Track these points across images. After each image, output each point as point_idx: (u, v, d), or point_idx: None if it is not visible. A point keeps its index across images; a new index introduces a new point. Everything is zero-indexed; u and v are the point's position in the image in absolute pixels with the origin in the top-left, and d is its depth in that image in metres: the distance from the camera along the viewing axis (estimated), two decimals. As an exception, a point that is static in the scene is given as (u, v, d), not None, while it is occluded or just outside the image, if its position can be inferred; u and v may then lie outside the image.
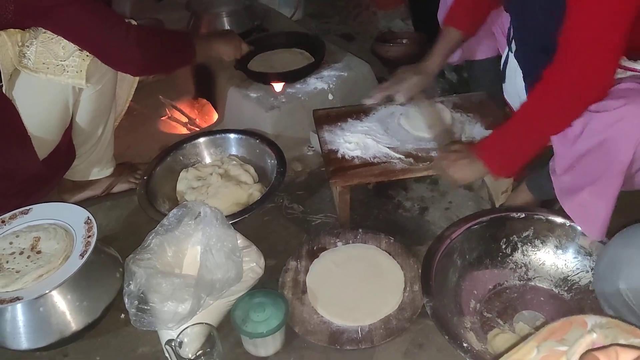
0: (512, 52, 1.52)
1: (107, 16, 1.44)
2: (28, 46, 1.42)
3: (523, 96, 1.49)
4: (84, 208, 1.46)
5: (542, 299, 1.40)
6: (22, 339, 1.31)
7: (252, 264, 1.39)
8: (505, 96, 1.63)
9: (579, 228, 1.37)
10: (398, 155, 1.56)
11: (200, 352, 1.24)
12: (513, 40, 1.50)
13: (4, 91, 1.46)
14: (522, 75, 1.47)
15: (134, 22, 1.51)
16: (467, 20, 1.60)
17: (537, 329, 1.27)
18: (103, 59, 1.47)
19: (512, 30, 1.50)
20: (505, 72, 1.57)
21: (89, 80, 1.50)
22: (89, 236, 1.37)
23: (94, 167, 1.79)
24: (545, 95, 1.25)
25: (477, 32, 1.63)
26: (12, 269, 1.31)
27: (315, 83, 2.01)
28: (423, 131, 1.61)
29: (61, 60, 1.43)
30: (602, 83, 1.19)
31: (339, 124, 1.69)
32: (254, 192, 1.69)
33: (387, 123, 1.68)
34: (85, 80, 1.46)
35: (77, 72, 1.45)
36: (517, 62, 1.48)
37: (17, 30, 1.41)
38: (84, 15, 1.41)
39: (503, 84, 1.61)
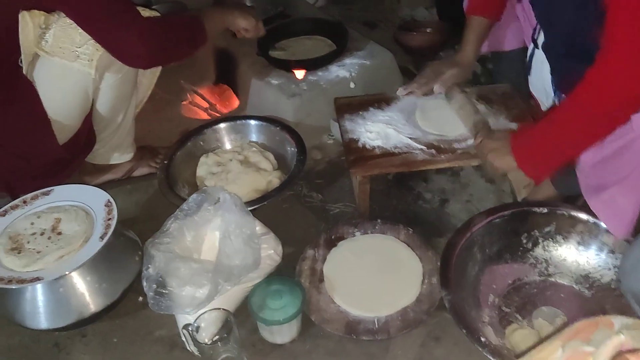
0: (538, 45, 1.48)
1: (115, 8, 1.41)
2: (48, 29, 1.42)
3: (549, 89, 1.47)
4: (105, 191, 1.47)
5: (562, 295, 1.38)
6: (42, 318, 1.33)
7: (270, 251, 1.39)
8: (531, 89, 1.60)
9: (602, 225, 1.35)
10: (420, 146, 1.54)
11: (217, 337, 1.25)
12: (540, 33, 1.47)
13: (25, 73, 1.47)
14: (549, 68, 1.44)
15: (147, 13, 1.49)
16: (490, 6, 1.58)
17: (556, 325, 1.27)
18: (110, 52, 1.45)
19: (537, 22, 1.47)
20: (531, 64, 1.54)
21: (108, 68, 1.50)
22: (109, 219, 1.38)
23: (114, 152, 1.79)
24: (589, 99, 1.15)
25: (502, 17, 1.59)
26: (33, 249, 1.32)
27: (337, 71, 1.99)
28: (438, 129, 1.59)
29: (76, 47, 1.43)
30: None
31: (360, 112, 1.68)
32: (273, 179, 1.69)
33: (409, 113, 1.66)
34: (95, 70, 1.45)
35: (88, 60, 1.44)
36: (545, 54, 1.45)
37: (41, 12, 1.41)
38: (94, 5, 1.39)
39: (529, 77, 1.58)
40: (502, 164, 1.35)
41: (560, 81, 1.40)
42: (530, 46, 1.54)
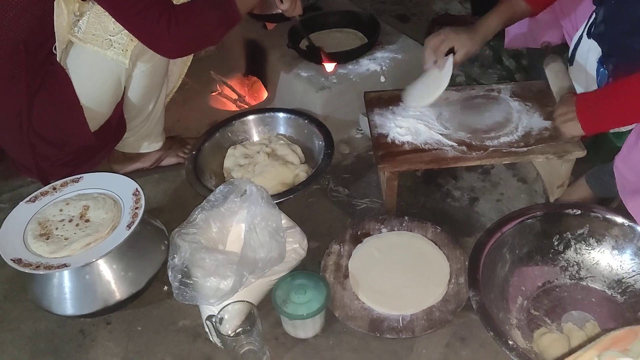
0: (590, 35, 1.45)
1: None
2: (82, 16, 1.43)
3: (592, 76, 1.43)
4: (133, 180, 1.48)
5: (593, 300, 1.34)
6: (68, 304, 1.34)
7: (295, 245, 1.38)
8: (572, 78, 1.56)
9: (639, 229, 1.30)
10: (450, 143, 1.51)
11: (240, 329, 1.25)
12: (594, 24, 1.43)
13: (58, 60, 1.48)
14: (598, 55, 1.40)
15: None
16: None
17: (586, 330, 1.24)
18: (141, 42, 1.44)
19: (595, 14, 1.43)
20: (575, 55, 1.50)
21: (140, 57, 1.50)
22: (137, 208, 1.39)
23: (144, 140, 1.80)
24: None
25: (541, 12, 1.51)
26: (61, 235, 1.34)
27: (367, 64, 1.97)
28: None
29: (110, 35, 1.43)
30: None
31: (390, 107, 1.66)
32: (300, 172, 1.68)
33: (440, 109, 1.63)
34: (129, 60, 1.46)
35: (122, 50, 1.44)
36: (598, 42, 1.41)
37: (76, 0, 1.42)
38: None
39: (570, 67, 1.54)
40: (570, 130, 1.39)
41: (616, 66, 1.37)
42: (575, 37, 1.50)
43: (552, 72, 1.59)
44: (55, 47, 1.47)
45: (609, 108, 1.29)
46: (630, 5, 1.28)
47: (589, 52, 1.46)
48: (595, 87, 1.46)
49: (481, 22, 1.49)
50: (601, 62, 1.44)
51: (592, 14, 1.45)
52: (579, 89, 1.55)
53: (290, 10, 1.75)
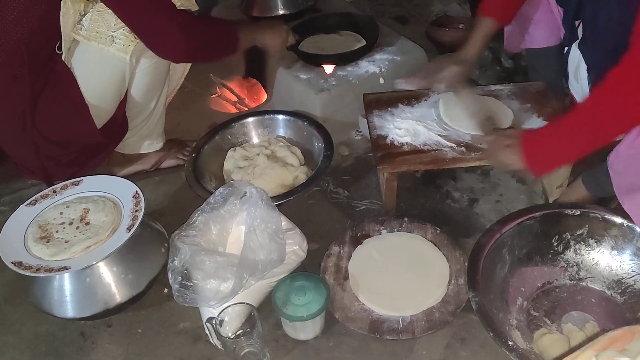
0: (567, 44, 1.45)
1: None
2: (86, 15, 1.44)
3: (585, 88, 1.43)
4: (133, 182, 1.48)
5: (593, 300, 1.34)
6: (68, 307, 1.35)
7: (295, 246, 1.38)
8: (570, 87, 1.56)
9: (638, 229, 1.31)
10: (449, 144, 1.51)
11: (240, 331, 1.25)
12: (578, 31, 1.44)
13: (63, 59, 1.49)
14: (585, 66, 1.40)
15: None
16: (502, 10, 1.56)
17: (586, 331, 1.24)
18: (145, 42, 1.47)
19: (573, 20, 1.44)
20: (568, 60, 1.50)
21: (144, 53, 1.51)
22: (137, 210, 1.39)
23: (145, 140, 1.81)
24: (606, 99, 1.15)
25: (511, 21, 1.58)
26: (62, 238, 1.34)
27: (367, 66, 1.97)
28: (461, 124, 1.56)
29: (112, 31, 1.45)
30: None
31: (390, 109, 1.66)
32: (300, 174, 1.68)
33: (439, 110, 1.63)
34: (130, 55, 1.47)
35: (124, 45, 1.46)
36: (581, 53, 1.41)
37: None
38: None
39: (567, 75, 1.54)
40: (508, 161, 1.33)
41: (597, 79, 1.36)
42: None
43: (464, 103, 1.59)
44: (59, 46, 1.48)
45: (556, 150, 1.26)
46: (605, 26, 1.28)
47: (580, 59, 1.46)
48: (587, 93, 1.45)
49: (464, 54, 1.59)
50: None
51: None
52: (576, 95, 1.55)
53: (283, 47, 1.83)
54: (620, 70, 1.11)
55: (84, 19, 1.44)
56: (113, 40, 1.45)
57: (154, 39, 1.47)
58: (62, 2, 1.41)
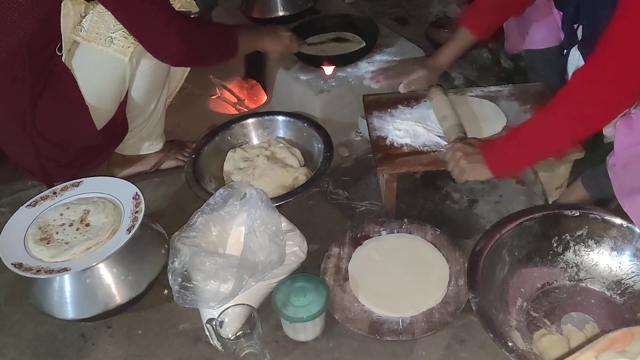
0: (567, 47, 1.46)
1: (155, 2, 1.43)
2: (86, 16, 1.44)
3: None
4: (133, 183, 1.48)
5: (592, 301, 1.34)
6: (69, 308, 1.35)
7: (295, 248, 1.38)
8: None
9: (637, 230, 1.31)
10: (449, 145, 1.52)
11: (240, 332, 1.25)
12: (577, 33, 1.44)
13: (63, 60, 1.49)
14: None
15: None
16: (481, 25, 1.57)
17: (586, 331, 1.24)
18: (143, 45, 1.47)
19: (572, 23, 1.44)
20: (567, 61, 1.51)
21: (144, 54, 1.52)
22: (137, 211, 1.39)
23: (145, 141, 1.81)
24: (570, 96, 1.17)
25: (490, 37, 1.59)
26: (62, 240, 1.34)
27: (366, 67, 1.97)
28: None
29: (111, 32, 1.45)
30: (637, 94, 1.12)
31: (389, 110, 1.66)
32: (300, 175, 1.68)
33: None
34: (128, 57, 1.47)
35: (122, 46, 1.46)
36: (581, 55, 1.41)
37: (82, 0, 1.43)
38: None
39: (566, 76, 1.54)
40: (468, 173, 1.36)
41: None
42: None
43: (434, 109, 1.60)
44: (59, 48, 1.48)
45: (517, 152, 1.28)
46: (604, 29, 1.28)
47: (580, 61, 1.46)
48: None
49: (434, 61, 1.64)
50: None
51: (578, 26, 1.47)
52: None
53: (286, 52, 1.84)
54: (583, 70, 1.14)
55: (84, 20, 1.45)
56: (112, 42, 1.45)
57: (152, 42, 1.47)
58: (62, 4, 1.41)
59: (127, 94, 1.62)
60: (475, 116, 1.60)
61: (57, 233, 1.36)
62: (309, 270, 1.44)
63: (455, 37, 1.60)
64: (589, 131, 1.21)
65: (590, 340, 0.81)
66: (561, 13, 1.53)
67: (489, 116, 1.59)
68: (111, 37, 1.45)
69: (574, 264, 1.38)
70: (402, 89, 1.64)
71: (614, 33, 1.07)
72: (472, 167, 1.34)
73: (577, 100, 1.16)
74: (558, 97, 1.19)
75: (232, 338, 1.24)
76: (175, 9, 1.50)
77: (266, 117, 1.88)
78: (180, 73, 1.80)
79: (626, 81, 1.09)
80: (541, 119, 1.24)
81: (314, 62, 1.98)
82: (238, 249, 1.30)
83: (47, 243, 1.33)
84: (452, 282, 1.38)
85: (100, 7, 1.44)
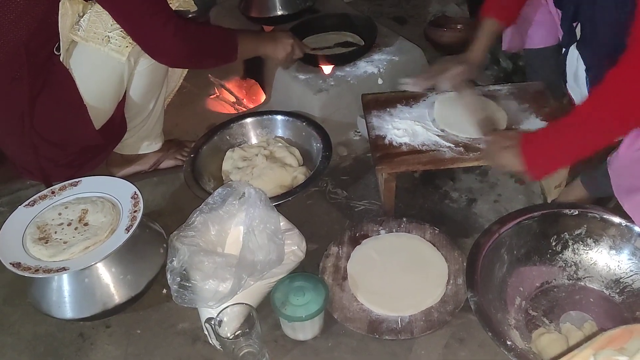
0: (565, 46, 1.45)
1: (153, 2, 1.43)
2: (84, 16, 1.44)
3: (584, 89, 1.43)
4: (131, 183, 1.48)
5: (591, 300, 1.34)
6: (67, 308, 1.34)
7: (294, 247, 1.38)
8: (568, 87, 1.56)
9: (636, 229, 1.31)
10: (448, 144, 1.52)
11: (239, 332, 1.25)
12: (576, 31, 1.44)
13: (61, 60, 1.49)
14: (584, 67, 1.40)
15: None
16: (504, 9, 1.56)
17: (584, 330, 1.24)
18: (140, 45, 1.47)
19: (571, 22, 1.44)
20: (566, 60, 1.51)
21: (142, 54, 1.51)
22: (135, 211, 1.39)
23: (144, 141, 1.81)
24: (605, 100, 1.15)
25: (516, 21, 1.59)
26: (60, 239, 1.34)
27: (365, 67, 1.97)
28: (456, 129, 1.56)
29: (108, 32, 1.45)
30: None
31: (388, 109, 1.66)
32: (299, 175, 1.68)
33: (437, 110, 1.63)
34: (127, 56, 1.47)
35: (119, 46, 1.46)
36: (580, 54, 1.41)
37: (80, 0, 1.43)
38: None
39: (565, 74, 1.55)
40: (508, 163, 1.33)
41: (596, 80, 1.36)
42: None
43: (464, 103, 1.59)
44: (57, 47, 1.48)
45: (556, 151, 1.26)
46: (603, 27, 1.28)
47: (579, 60, 1.46)
48: (586, 94, 1.46)
49: (469, 55, 1.60)
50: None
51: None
52: (574, 96, 1.55)
53: (289, 58, 1.81)
54: (618, 71, 1.11)
55: (82, 19, 1.45)
56: (109, 41, 1.45)
57: (149, 43, 1.47)
58: (60, 3, 1.41)
59: (125, 93, 1.62)
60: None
61: (55, 232, 1.36)
62: (308, 269, 1.44)
63: (483, 28, 1.58)
64: (626, 131, 1.20)
65: (588, 339, 0.81)
66: (560, 12, 1.53)
67: (490, 113, 1.58)
68: (108, 37, 1.45)
69: (572, 263, 1.38)
70: (444, 86, 1.61)
71: None
72: (511, 160, 1.32)
73: (615, 100, 1.13)
74: (594, 97, 1.18)
75: (231, 337, 1.24)
76: (174, 7, 1.49)
77: (265, 117, 1.88)
78: (179, 72, 1.80)
79: None
80: (581, 120, 1.21)
81: (312, 62, 1.98)
82: (237, 248, 1.30)
83: (46, 242, 1.33)
84: (451, 281, 1.38)
85: (98, 7, 1.44)
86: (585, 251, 1.38)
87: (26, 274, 1.26)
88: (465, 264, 1.33)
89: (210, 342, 1.32)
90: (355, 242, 1.50)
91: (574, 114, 1.22)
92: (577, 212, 1.37)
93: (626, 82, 1.11)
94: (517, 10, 1.58)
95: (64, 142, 1.61)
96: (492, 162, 1.41)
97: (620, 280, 1.34)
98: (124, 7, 1.42)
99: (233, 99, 2.21)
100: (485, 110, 1.54)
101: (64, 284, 1.34)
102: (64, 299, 1.34)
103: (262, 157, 1.72)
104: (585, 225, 1.37)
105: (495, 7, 1.57)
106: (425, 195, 1.71)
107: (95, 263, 1.30)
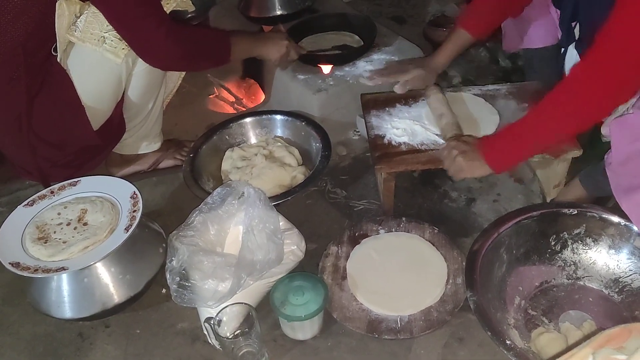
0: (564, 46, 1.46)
1: (146, 4, 1.42)
2: (81, 16, 1.44)
3: None
4: (131, 183, 1.48)
5: (590, 299, 1.35)
6: (66, 308, 1.34)
7: (293, 246, 1.38)
8: None
9: (635, 228, 1.31)
10: (447, 144, 1.52)
11: (239, 331, 1.25)
12: (575, 31, 1.44)
13: (59, 61, 1.49)
14: None
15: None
16: (479, 25, 1.57)
17: (584, 329, 1.24)
18: (132, 48, 1.47)
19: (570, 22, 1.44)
20: (565, 60, 1.51)
21: None
22: (135, 211, 1.39)
23: (143, 141, 1.81)
24: (567, 91, 1.18)
25: (487, 37, 1.60)
26: (59, 239, 1.34)
27: (364, 66, 1.97)
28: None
29: (104, 32, 1.45)
30: (635, 88, 1.13)
31: (387, 109, 1.66)
32: (298, 174, 1.68)
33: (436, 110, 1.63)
34: (121, 59, 1.47)
35: (115, 47, 1.46)
36: (579, 54, 1.41)
37: (77, 1, 1.43)
38: (125, 1, 1.40)
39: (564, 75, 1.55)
40: (465, 170, 1.36)
41: None
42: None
43: (430, 107, 1.61)
44: (55, 48, 1.47)
45: (512, 146, 1.30)
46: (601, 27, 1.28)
47: (577, 60, 1.46)
48: None
49: (432, 61, 1.64)
50: None
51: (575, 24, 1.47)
52: None
53: (284, 59, 1.82)
54: (579, 65, 1.15)
55: (78, 20, 1.44)
56: (104, 41, 1.45)
57: (141, 46, 1.46)
58: (57, 4, 1.41)
59: (124, 94, 1.62)
60: (470, 115, 1.60)
61: (54, 232, 1.36)
62: (307, 269, 1.44)
63: (453, 37, 1.60)
64: (583, 126, 1.22)
65: (587, 338, 0.81)
66: (558, 11, 1.53)
67: (483, 115, 1.59)
68: (104, 37, 1.44)
69: (571, 262, 1.38)
70: (397, 89, 1.65)
71: (611, 28, 1.08)
72: (470, 165, 1.35)
73: (572, 95, 1.17)
74: (554, 91, 1.20)
75: (230, 337, 1.24)
76: (171, 8, 1.49)
77: (264, 116, 1.88)
78: (178, 73, 1.79)
79: (622, 76, 1.10)
80: (537, 114, 1.25)
81: (312, 61, 1.98)
82: (236, 248, 1.30)
83: (45, 242, 1.33)
84: (450, 281, 1.38)
85: (95, 8, 1.43)
86: (585, 250, 1.38)
87: (25, 274, 1.26)
88: (464, 264, 1.34)
89: (210, 341, 1.32)
90: (354, 241, 1.50)
91: (532, 110, 1.28)
92: (576, 212, 1.37)
93: (582, 77, 1.15)
94: (491, 27, 1.59)
95: (62, 142, 1.61)
96: (450, 168, 1.41)
97: (619, 279, 1.34)
98: (117, 9, 1.41)
99: (232, 99, 2.21)
100: (450, 114, 1.54)
101: (63, 284, 1.34)
102: (63, 299, 1.34)
103: (262, 156, 1.72)
104: (584, 225, 1.37)
105: (471, 20, 1.58)
106: (425, 194, 1.71)
107: (95, 263, 1.30)
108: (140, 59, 1.53)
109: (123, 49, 1.46)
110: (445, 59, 1.62)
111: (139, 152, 1.83)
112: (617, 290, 1.34)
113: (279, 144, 1.80)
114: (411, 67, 1.65)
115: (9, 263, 1.28)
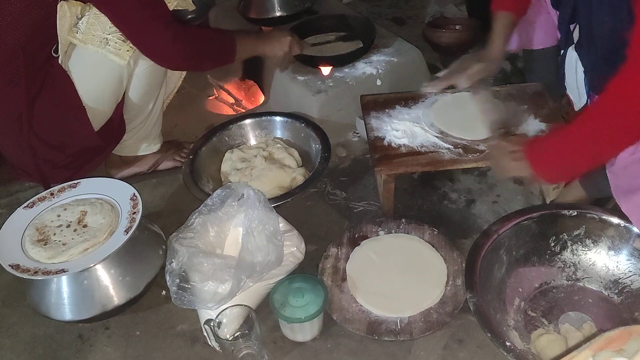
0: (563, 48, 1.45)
1: (152, 6, 1.44)
2: (82, 18, 1.44)
3: (582, 90, 1.43)
4: (130, 184, 1.48)
5: (590, 300, 1.35)
6: (66, 310, 1.34)
7: (293, 248, 1.38)
8: (567, 89, 1.56)
9: (635, 229, 1.31)
10: (447, 145, 1.52)
11: (238, 333, 1.25)
12: (574, 33, 1.44)
13: (60, 62, 1.49)
14: (582, 69, 1.40)
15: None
16: (516, 2, 1.54)
17: (583, 331, 1.24)
18: (140, 49, 1.48)
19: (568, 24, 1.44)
20: (565, 61, 1.51)
21: (142, 56, 1.51)
22: (134, 212, 1.39)
23: (143, 142, 1.81)
24: (610, 111, 1.12)
25: (527, 10, 1.56)
26: (59, 241, 1.34)
27: (364, 68, 1.97)
28: (456, 130, 1.56)
29: (107, 34, 1.45)
30: None
31: (387, 110, 1.66)
32: (297, 176, 1.68)
33: (436, 111, 1.63)
34: (127, 61, 1.48)
35: (119, 49, 1.46)
36: (578, 55, 1.41)
37: (78, 2, 1.44)
38: (131, 3, 1.41)
39: (564, 75, 1.55)
40: (511, 169, 1.32)
41: (594, 82, 1.36)
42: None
43: (479, 103, 1.59)
44: (55, 49, 1.48)
45: (562, 161, 1.24)
46: (599, 30, 1.28)
47: (577, 62, 1.46)
48: (584, 96, 1.46)
49: (489, 51, 1.56)
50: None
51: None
52: (572, 97, 1.55)
53: (287, 56, 1.82)
54: (620, 82, 1.09)
55: (80, 22, 1.45)
56: (107, 43, 1.45)
57: (149, 47, 1.48)
58: (58, 5, 1.41)
59: (124, 95, 1.62)
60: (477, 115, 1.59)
61: (54, 234, 1.36)
62: (307, 270, 1.44)
63: (497, 23, 1.55)
64: (632, 142, 1.16)
65: (587, 340, 0.82)
66: (558, 13, 1.53)
67: (504, 117, 1.58)
68: (106, 39, 1.45)
69: (571, 264, 1.38)
70: (462, 84, 1.59)
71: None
72: (515, 166, 1.30)
73: (619, 112, 1.10)
74: (598, 108, 1.16)
75: (230, 339, 1.24)
76: (172, 7, 1.50)
77: (264, 118, 1.88)
78: (178, 74, 1.80)
79: None
80: (585, 133, 1.18)
81: (311, 63, 1.98)
82: (236, 249, 1.30)
83: (45, 244, 1.33)
84: (450, 282, 1.38)
85: (96, 9, 1.44)
86: (584, 252, 1.38)
87: (25, 276, 1.26)
88: (464, 265, 1.34)
89: (210, 343, 1.32)
90: (354, 243, 1.50)
91: (579, 125, 1.19)
92: (575, 213, 1.37)
93: (627, 95, 1.08)
94: (527, 1, 1.55)
95: (62, 143, 1.61)
96: (494, 165, 1.41)
97: (619, 280, 1.34)
98: (123, 12, 1.42)
99: (232, 100, 2.21)
100: (499, 111, 1.54)
101: (63, 286, 1.34)
102: (63, 301, 1.34)
103: (261, 158, 1.72)
104: (584, 226, 1.37)
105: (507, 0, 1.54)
106: (424, 196, 1.71)
107: (94, 265, 1.30)
108: (141, 60, 1.53)
109: (127, 50, 1.46)
110: (500, 45, 1.56)
111: (139, 154, 1.83)
112: (616, 291, 1.34)
113: (279, 145, 1.80)
114: (469, 63, 1.59)
115: (9, 265, 1.28)
